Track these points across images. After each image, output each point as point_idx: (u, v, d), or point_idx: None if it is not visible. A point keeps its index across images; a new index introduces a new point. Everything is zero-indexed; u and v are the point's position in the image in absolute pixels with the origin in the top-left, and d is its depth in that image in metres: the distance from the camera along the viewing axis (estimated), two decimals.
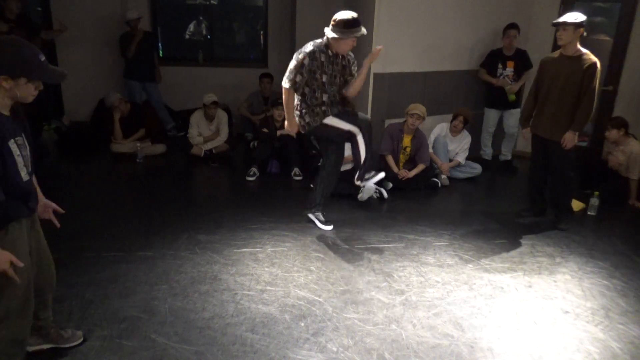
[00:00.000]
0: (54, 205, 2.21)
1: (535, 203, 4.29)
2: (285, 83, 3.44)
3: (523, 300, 2.97)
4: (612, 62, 5.61)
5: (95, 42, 6.41)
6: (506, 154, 5.82)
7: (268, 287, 2.98)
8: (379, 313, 2.75)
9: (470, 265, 3.37)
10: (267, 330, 2.55)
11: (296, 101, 3.55)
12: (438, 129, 5.29)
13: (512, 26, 5.35)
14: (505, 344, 2.55)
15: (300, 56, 3.38)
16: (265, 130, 5.28)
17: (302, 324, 2.62)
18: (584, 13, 3.68)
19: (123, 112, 5.61)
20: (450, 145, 5.24)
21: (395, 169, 4.86)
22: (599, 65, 3.65)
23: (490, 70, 5.52)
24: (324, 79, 3.46)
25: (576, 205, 4.40)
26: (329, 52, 3.44)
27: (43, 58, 1.82)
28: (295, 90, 3.46)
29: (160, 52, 6.84)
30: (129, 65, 6.12)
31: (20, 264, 1.82)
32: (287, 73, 3.44)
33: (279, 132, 5.25)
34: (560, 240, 3.85)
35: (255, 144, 5.54)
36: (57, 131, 6.12)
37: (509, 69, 5.43)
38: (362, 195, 4.46)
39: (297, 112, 3.57)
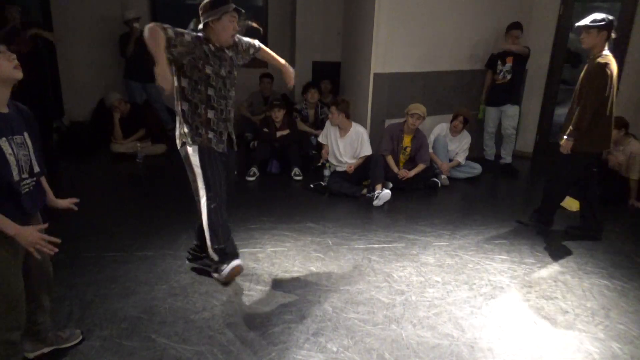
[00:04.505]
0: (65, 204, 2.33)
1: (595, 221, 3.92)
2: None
3: (523, 300, 2.97)
4: None
5: (95, 42, 6.40)
6: (505, 157, 5.72)
7: (268, 287, 2.98)
8: (379, 313, 2.75)
9: (470, 265, 3.37)
10: (267, 330, 2.55)
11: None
12: (438, 129, 5.29)
13: (516, 26, 5.31)
14: (505, 344, 2.54)
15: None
16: (266, 130, 5.28)
17: (302, 324, 2.62)
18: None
19: (123, 112, 5.61)
20: (450, 145, 5.24)
21: (395, 169, 4.86)
22: (608, 67, 3.36)
23: (493, 69, 5.52)
24: (208, 70, 2.89)
25: (575, 204, 4.39)
26: (210, 46, 2.91)
27: None
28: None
29: None
30: (129, 66, 6.11)
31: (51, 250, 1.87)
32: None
33: (278, 134, 5.25)
34: (560, 240, 3.85)
35: (255, 144, 5.54)
36: (57, 131, 6.12)
37: (508, 64, 5.40)
38: (378, 202, 4.41)
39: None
